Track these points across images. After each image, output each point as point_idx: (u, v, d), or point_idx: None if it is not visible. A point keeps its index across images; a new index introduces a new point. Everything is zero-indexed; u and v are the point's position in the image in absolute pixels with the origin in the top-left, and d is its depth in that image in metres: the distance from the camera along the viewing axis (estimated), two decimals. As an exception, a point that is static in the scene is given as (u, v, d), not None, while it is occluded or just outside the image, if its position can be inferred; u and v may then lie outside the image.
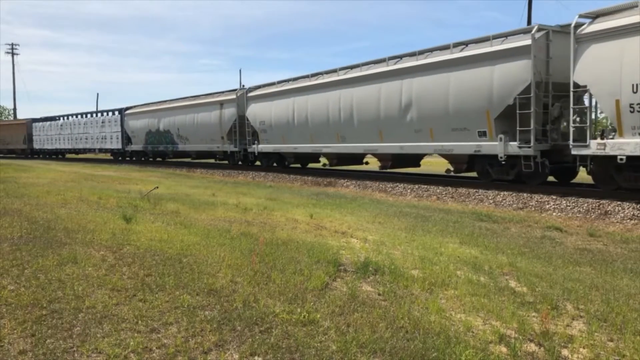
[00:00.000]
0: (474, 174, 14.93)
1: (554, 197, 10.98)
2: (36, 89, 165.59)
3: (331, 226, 8.18)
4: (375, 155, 16.34)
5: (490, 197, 11.92)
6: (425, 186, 13.86)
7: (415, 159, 16.26)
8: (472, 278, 5.01)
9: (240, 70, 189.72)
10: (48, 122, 40.56)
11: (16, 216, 7.83)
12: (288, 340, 3.34)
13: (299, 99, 18.24)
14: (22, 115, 73.47)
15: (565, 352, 3.38)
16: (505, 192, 11.98)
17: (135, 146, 31.05)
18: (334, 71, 17.08)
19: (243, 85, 24.84)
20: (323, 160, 20.01)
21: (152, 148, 29.36)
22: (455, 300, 4.36)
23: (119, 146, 32.38)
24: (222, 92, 23.95)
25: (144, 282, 4.49)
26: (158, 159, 31.45)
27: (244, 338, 3.36)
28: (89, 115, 36.17)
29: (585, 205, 10.15)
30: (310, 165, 21.64)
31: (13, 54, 70.30)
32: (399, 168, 16.42)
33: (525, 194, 11.56)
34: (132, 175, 21.08)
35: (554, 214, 10.22)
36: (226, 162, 24.54)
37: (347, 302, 4.10)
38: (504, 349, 3.36)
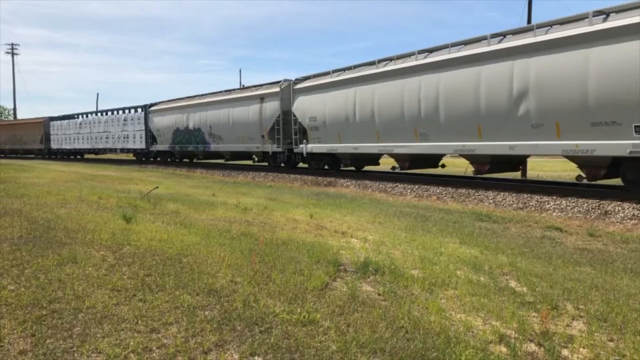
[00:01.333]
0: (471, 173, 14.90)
1: (554, 197, 10.99)
2: (36, 89, 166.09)
3: (331, 226, 8.18)
4: (468, 156, 13.08)
5: (490, 197, 11.92)
6: (425, 186, 13.86)
7: (518, 161, 13.47)
8: (472, 278, 5.02)
9: (240, 70, 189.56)
10: (66, 121, 37.96)
11: (16, 216, 7.83)
12: (288, 340, 3.33)
13: (362, 89, 15.35)
14: (22, 115, 73.58)
15: (565, 352, 3.38)
16: (505, 192, 11.99)
17: (161, 146, 28.00)
18: (411, 55, 14.21)
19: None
20: (390, 161, 16.57)
21: (180, 148, 26.19)
22: (455, 300, 4.36)
23: (143, 146, 29.52)
24: (262, 85, 20.97)
25: (144, 282, 4.49)
26: (185, 160, 28.19)
27: (244, 338, 3.36)
28: (109, 113, 33.19)
29: (585, 205, 10.15)
30: (367, 168, 18.72)
31: (13, 54, 70.53)
32: (497, 173, 13.61)
33: (525, 194, 11.56)
34: (132, 175, 21.07)
35: (554, 214, 10.22)
36: (265, 164, 21.68)
37: (347, 302, 4.10)
38: (504, 349, 3.36)
